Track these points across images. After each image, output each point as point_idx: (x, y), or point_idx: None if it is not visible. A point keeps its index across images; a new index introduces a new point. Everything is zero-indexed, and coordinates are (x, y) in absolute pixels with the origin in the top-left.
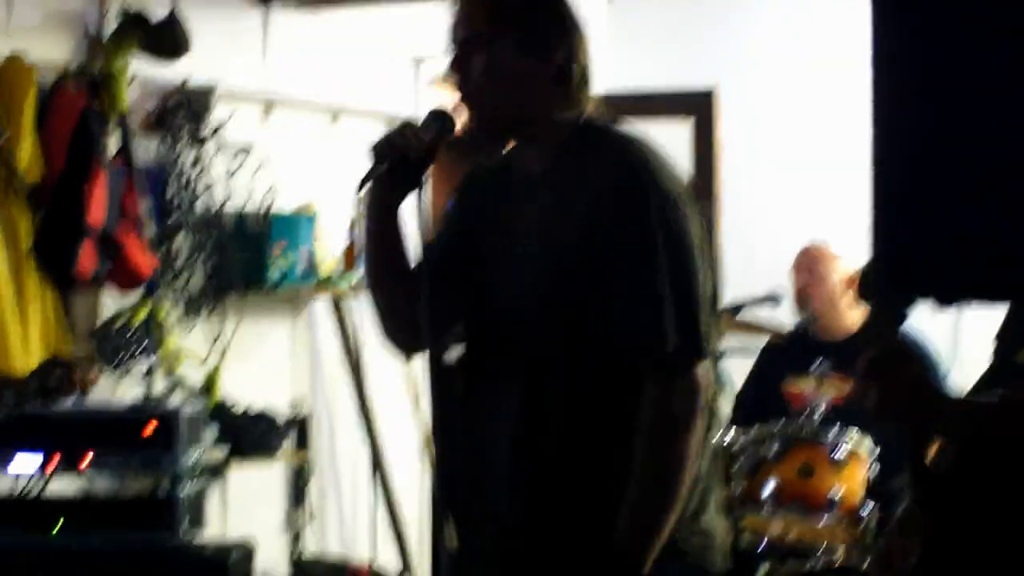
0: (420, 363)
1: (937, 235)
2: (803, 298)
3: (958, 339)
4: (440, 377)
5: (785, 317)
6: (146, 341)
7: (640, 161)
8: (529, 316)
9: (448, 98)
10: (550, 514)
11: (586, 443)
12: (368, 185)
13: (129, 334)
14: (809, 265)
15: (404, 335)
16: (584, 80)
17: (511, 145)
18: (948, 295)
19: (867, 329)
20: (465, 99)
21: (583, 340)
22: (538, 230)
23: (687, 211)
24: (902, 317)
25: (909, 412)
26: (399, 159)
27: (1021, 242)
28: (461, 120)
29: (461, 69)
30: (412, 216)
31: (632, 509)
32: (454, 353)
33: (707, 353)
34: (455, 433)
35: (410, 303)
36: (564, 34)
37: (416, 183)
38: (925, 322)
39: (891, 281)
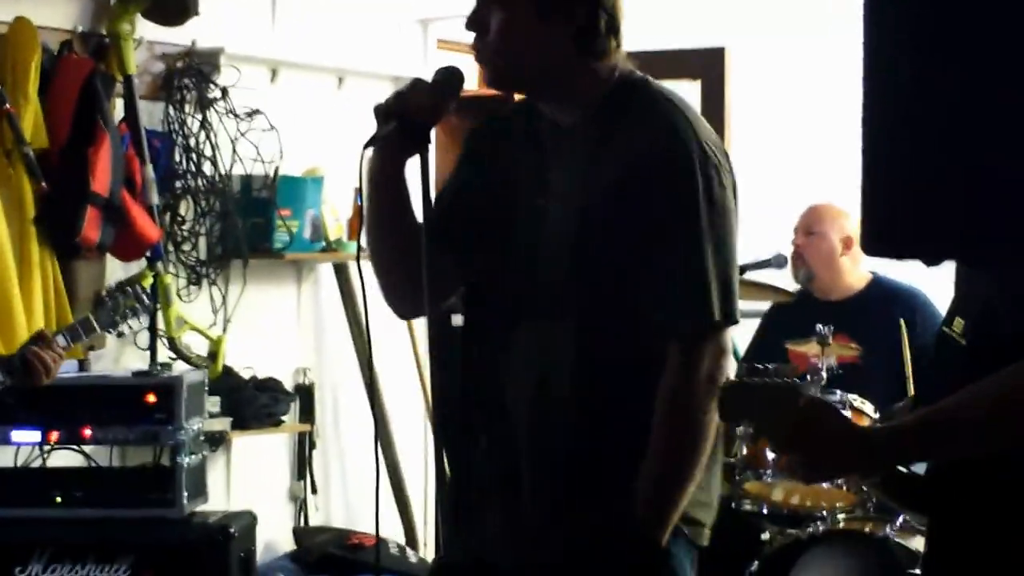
0: (425, 330)
1: (924, 195)
2: (798, 257)
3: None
4: (442, 337)
5: (790, 280)
6: (144, 304)
7: (684, 123)
8: (560, 271)
9: (456, 58)
10: (567, 474)
11: (608, 403)
12: (374, 145)
13: (125, 297)
14: (808, 224)
15: (405, 297)
16: (613, 31)
17: (520, 99)
18: (934, 254)
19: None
20: (482, 58)
21: (615, 298)
22: (574, 185)
23: (724, 174)
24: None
25: (837, 470)
26: (406, 118)
27: (1002, 203)
28: (473, 77)
29: (478, 28)
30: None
31: (658, 473)
32: (459, 312)
33: (738, 319)
34: (458, 392)
35: (413, 263)
36: None
37: (423, 142)
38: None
39: (878, 240)
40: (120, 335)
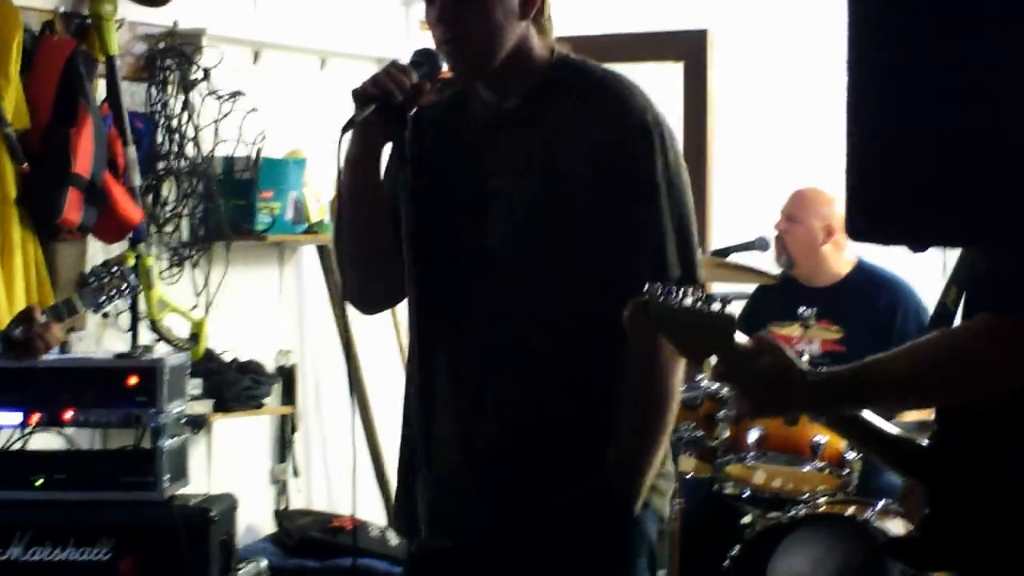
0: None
1: (908, 181)
2: (780, 243)
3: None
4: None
5: (774, 263)
6: (129, 283)
7: (632, 95)
8: (515, 248)
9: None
10: (540, 446)
11: (576, 376)
12: (351, 129)
13: (109, 277)
14: (790, 210)
15: (373, 287)
16: (549, 14)
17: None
18: (919, 240)
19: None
20: (455, 46)
21: (574, 272)
22: (525, 165)
23: (676, 143)
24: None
25: (777, 407)
26: (384, 102)
27: (985, 188)
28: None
29: (454, 14)
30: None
31: (628, 443)
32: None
33: (701, 283)
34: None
35: (387, 250)
36: None
37: (401, 125)
38: (911, 265)
39: (864, 226)
40: (105, 315)
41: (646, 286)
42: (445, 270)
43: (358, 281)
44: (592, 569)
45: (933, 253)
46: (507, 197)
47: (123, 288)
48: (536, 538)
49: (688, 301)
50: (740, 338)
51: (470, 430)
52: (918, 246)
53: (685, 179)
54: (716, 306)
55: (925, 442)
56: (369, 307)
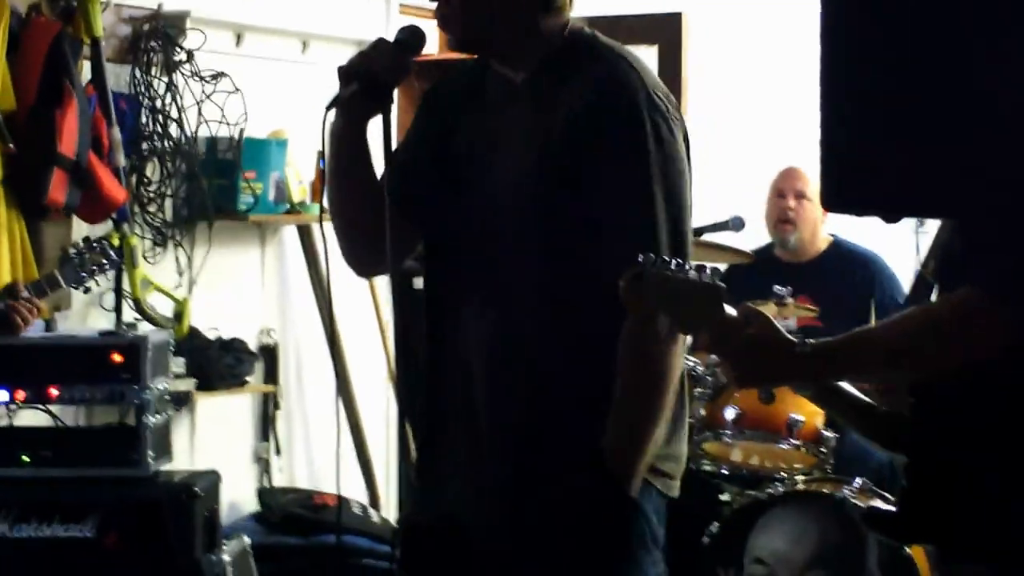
0: (388, 292)
1: (882, 152)
2: (789, 220)
3: (920, 256)
4: (404, 296)
5: (746, 242)
6: (111, 259)
7: (631, 72)
8: (512, 223)
9: (418, 22)
10: (534, 429)
11: (570, 352)
12: (337, 105)
13: (91, 253)
14: (800, 186)
15: (365, 255)
16: None
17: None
18: (893, 211)
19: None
20: (447, 23)
21: (569, 246)
22: (524, 138)
23: (674, 124)
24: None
25: (762, 377)
26: (369, 78)
27: (959, 159)
28: (433, 41)
29: None
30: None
31: (625, 421)
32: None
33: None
34: (423, 350)
35: (371, 222)
36: None
37: (386, 102)
38: (886, 240)
39: (838, 197)
40: (87, 291)
41: (640, 257)
42: (447, 246)
43: (350, 249)
44: (590, 552)
45: (906, 231)
46: (506, 173)
47: (104, 264)
48: (534, 519)
49: (680, 272)
50: (728, 309)
51: (468, 410)
52: (891, 217)
53: (679, 162)
54: (707, 277)
55: (904, 415)
56: (363, 269)
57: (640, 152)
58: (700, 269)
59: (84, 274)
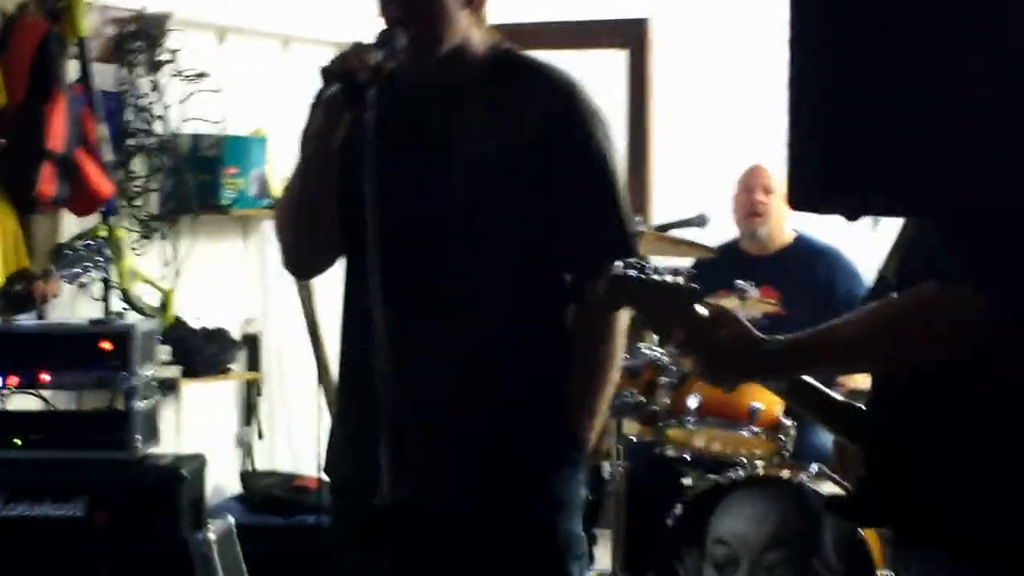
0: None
1: (846, 152)
2: (758, 213)
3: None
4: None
5: (710, 238)
6: (104, 255)
7: (570, 83)
8: (464, 223)
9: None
10: (495, 418)
11: (527, 341)
12: (319, 105)
13: (86, 249)
14: (766, 181)
15: (310, 255)
16: (486, 9)
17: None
18: (853, 209)
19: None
20: (398, 21)
21: (525, 242)
22: (471, 143)
23: (612, 132)
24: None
25: (733, 375)
26: (349, 79)
27: (919, 160)
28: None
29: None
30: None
31: (585, 397)
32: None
33: (637, 253)
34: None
35: (329, 222)
36: None
37: (364, 102)
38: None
39: (804, 196)
40: (81, 286)
41: (616, 261)
42: (402, 243)
43: (296, 247)
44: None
45: (864, 227)
46: (458, 174)
47: (98, 260)
48: (494, 498)
49: (655, 275)
50: (700, 309)
51: (428, 393)
52: (854, 215)
53: (620, 157)
54: (680, 279)
55: (862, 407)
56: (304, 271)
57: (604, 155)
58: (673, 272)
59: (78, 270)
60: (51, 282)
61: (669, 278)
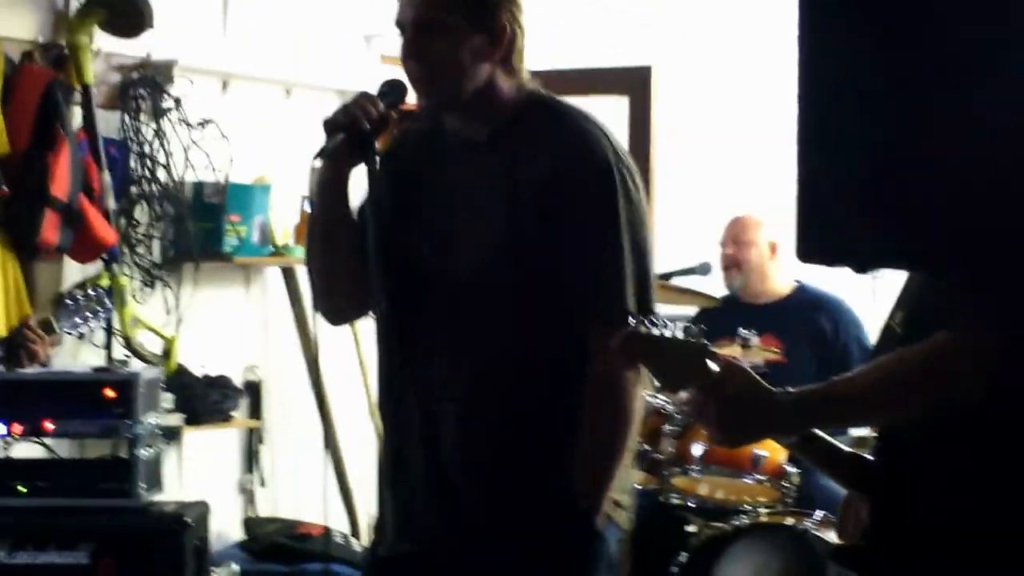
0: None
1: (856, 205)
2: (733, 265)
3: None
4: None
5: (714, 287)
6: (105, 306)
7: (597, 132)
8: (474, 280)
9: (398, 72)
10: (503, 472)
11: (536, 402)
12: (322, 157)
13: (87, 300)
14: (736, 234)
15: (341, 302)
16: (521, 50)
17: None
18: (863, 262)
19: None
20: (421, 82)
21: (538, 297)
22: (489, 195)
23: (638, 180)
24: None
25: (745, 435)
26: (353, 130)
27: (929, 214)
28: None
29: (418, 53)
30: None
31: (591, 459)
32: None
33: (654, 311)
34: (399, 399)
35: (352, 271)
36: (510, 9)
37: (369, 153)
38: (847, 284)
39: (812, 248)
40: (81, 336)
41: (630, 319)
42: (412, 297)
43: (325, 295)
44: None
45: (864, 278)
46: (471, 229)
47: (99, 311)
48: (498, 552)
49: (668, 332)
50: (711, 365)
51: (434, 447)
52: (862, 268)
53: (644, 216)
54: (692, 334)
55: (868, 456)
56: (336, 318)
57: (611, 209)
58: (685, 330)
59: (79, 320)
60: (52, 338)
61: (681, 334)
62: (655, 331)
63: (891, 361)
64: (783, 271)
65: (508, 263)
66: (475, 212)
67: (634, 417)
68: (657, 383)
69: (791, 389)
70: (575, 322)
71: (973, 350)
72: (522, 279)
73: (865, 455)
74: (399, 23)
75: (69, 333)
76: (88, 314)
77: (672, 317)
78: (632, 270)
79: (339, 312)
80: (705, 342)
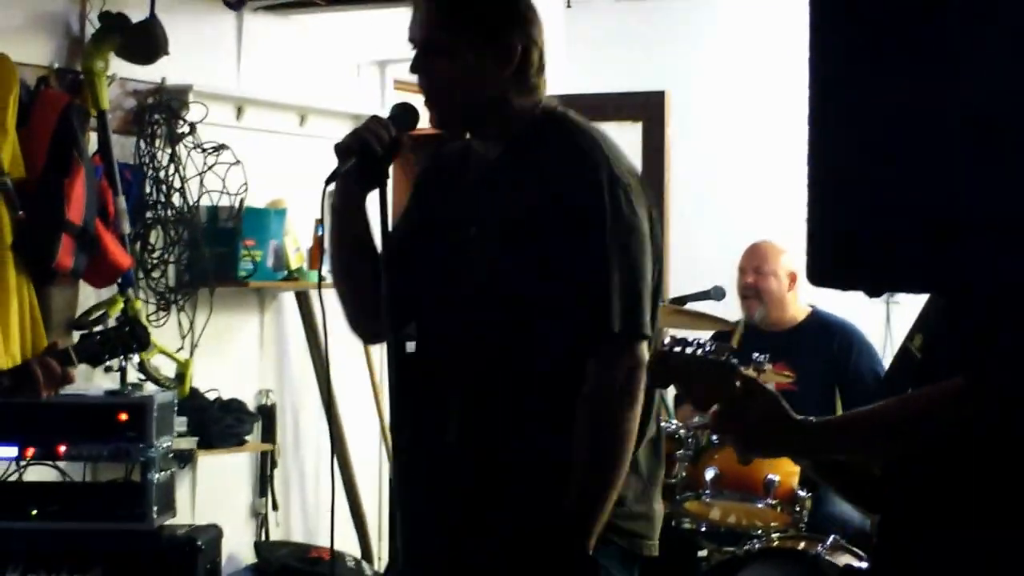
0: (382, 356)
1: (868, 228)
2: (752, 295)
3: (891, 326)
4: (400, 367)
5: (728, 311)
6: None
7: (593, 150)
8: (479, 295)
9: (411, 97)
10: (498, 496)
11: (532, 420)
12: (335, 181)
13: (119, 334)
14: (757, 263)
15: (369, 324)
16: (541, 66)
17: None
18: (876, 286)
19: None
20: (429, 101)
21: (530, 316)
22: (495, 215)
23: (636, 198)
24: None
25: (767, 451)
26: (366, 153)
27: (944, 237)
28: (427, 116)
29: (425, 72)
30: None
31: (580, 482)
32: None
33: (648, 333)
34: (411, 420)
35: (375, 293)
36: (522, 27)
37: (381, 176)
38: (860, 311)
39: (823, 272)
40: (108, 370)
41: (666, 340)
42: (424, 317)
43: (355, 318)
44: None
45: (877, 303)
46: (478, 246)
47: (132, 345)
48: (490, 570)
49: (698, 351)
50: (736, 383)
51: (435, 466)
52: (875, 292)
53: (640, 235)
54: (720, 354)
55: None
56: (369, 338)
57: (597, 228)
58: (715, 350)
59: (106, 355)
60: (70, 373)
61: (711, 355)
62: (686, 351)
63: (908, 403)
64: (800, 299)
65: (505, 281)
66: (483, 228)
67: (624, 439)
68: (688, 401)
69: (813, 419)
70: (562, 342)
71: (985, 401)
72: (518, 296)
73: (875, 471)
74: (410, 39)
75: (90, 365)
76: (116, 348)
77: (707, 340)
78: (620, 289)
79: (373, 334)
80: (735, 361)
